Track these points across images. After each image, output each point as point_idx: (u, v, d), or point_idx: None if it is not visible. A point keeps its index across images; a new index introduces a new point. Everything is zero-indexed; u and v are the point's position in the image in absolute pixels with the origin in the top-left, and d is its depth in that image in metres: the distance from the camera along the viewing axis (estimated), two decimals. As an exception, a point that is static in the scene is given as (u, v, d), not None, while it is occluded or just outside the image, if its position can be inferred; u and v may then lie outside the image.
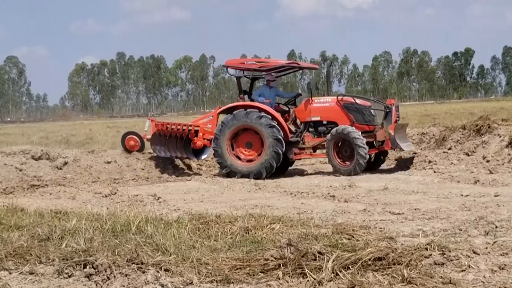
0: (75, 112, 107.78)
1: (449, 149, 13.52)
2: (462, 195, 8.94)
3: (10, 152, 13.45)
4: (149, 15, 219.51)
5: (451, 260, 4.77)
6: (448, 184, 10.55)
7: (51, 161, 13.56)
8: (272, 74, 14.18)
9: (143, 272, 4.60)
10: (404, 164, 13.72)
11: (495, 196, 8.71)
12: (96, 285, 4.59)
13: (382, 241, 5.50)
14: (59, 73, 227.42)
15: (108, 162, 14.17)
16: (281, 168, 13.64)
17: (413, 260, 4.62)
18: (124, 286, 4.48)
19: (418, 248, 4.94)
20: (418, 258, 4.69)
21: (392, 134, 12.75)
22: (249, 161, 13.39)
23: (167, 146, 14.07)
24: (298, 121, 14.01)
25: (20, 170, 12.88)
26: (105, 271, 4.67)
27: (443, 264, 4.71)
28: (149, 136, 14.51)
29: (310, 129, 13.72)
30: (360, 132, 12.93)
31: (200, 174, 14.08)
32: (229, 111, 13.75)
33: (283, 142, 13.06)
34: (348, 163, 12.92)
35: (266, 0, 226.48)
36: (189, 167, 14.79)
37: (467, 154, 12.90)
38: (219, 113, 14.14)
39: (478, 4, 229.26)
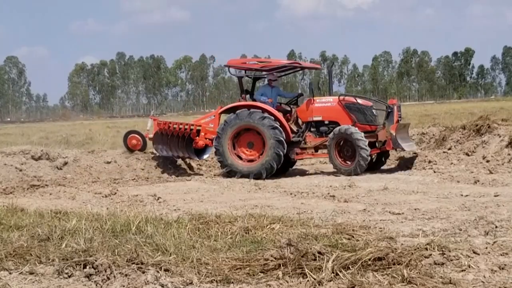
0: (75, 112, 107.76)
1: (449, 149, 13.52)
2: (462, 195, 8.94)
3: (10, 152, 13.46)
4: (149, 15, 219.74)
5: (451, 260, 4.77)
6: (448, 184, 10.55)
7: (51, 161, 13.57)
8: (274, 74, 14.20)
9: (143, 272, 4.60)
10: (404, 164, 13.72)
11: (495, 196, 8.71)
12: (96, 285, 4.59)
13: (382, 241, 5.50)
14: (59, 73, 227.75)
15: (108, 162, 14.17)
16: (283, 168, 13.63)
17: (413, 260, 4.62)
18: (124, 286, 4.48)
19: (418, 248, 4.94)
20: (418, 258, 4.69)
21: (394, 134, 12.74)
22: (250, 161, 13.39)
23: (169, 146, 14.08)
24: (300, 121, 14.00)
25: (20, 170, 12.88)
26: (105, 271, 4.67)
27: (443, 264, 4.71)
28: (151, 135, 14.51)
29: (312, 129, 13.71)
30: (362, 132, 12.92)
31: (201, 174, 14.08)
32: (231, 110, 13.75)
33: (285, 144, 13.05)
34: (349, 163, 12.91)
35: (266, 0, 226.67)
36: (190, 167, 14.79)
37: (467, 154, 12.91)
38: (221, 112, 14.14)
39: (478, 4, 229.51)
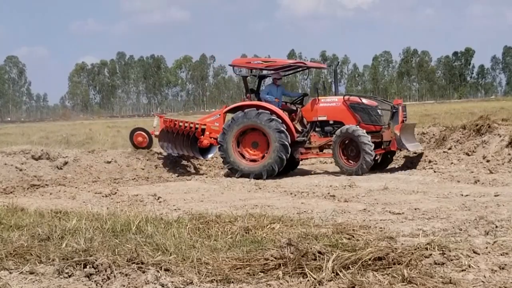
0: (75, 112, 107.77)
1: (449, 149, 13.52)
2: (462, 195, 8.94)
3: (10, 152, 13.47)
4: (149, 15, 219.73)
5: (451, 260, 4.77)
6: (448, 184, 10.55)
7: (51, 161, 13.57)
8: (280, 73, 14.21)
9: (143, 272, 4.60)
10: (404, 164, 13.73)
11: (495, 196, 8.71)
12: (96, 284, 4.60)
13: (382, 241, 5.51)
14: (59, 73, 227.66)
15: (108, 162, 14.18)
16: (287, 167, 13.61)
17: (413, 260, 4.62)
18: (124, 285, 4.48)
19: (418, 248, 4.94)
20: (418, 258, 4.69)
21: (398, 134, 12.72)
22: (252, 161, 13.38)
23: (174, 144, 14.11)
24: (305, 121, 13.98)
25: (20, 170, 12.89)
26: (105, 270, 4.67)
27: (443, 263, 4.71)
28: (157, 133, 14.52)
29: (317, 129, 13.69)
30: (366, 132, 12.89)
31: (201, 174, 14.08)
32: (236, 110, 13.73)
33: (289, 148, 13.03)
34: (354, 163, 12.89)
35: (266, 0, 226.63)
36: (194, 167, 14.78)
37: (467, 154, 12.91)
38: (226, 112, 14.14)
39: (478, 4, 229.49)
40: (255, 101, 13.87)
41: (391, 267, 4.53)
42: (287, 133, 13.04)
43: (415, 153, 13.75)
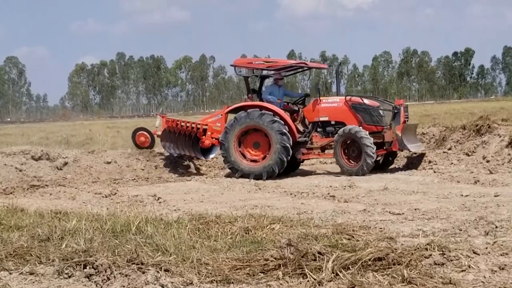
0: (75, 113, 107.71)
1: (449, 149, 13.52)
2: (462, 195, 8.95)
3: (10, 152, 13.47)
4: (149, 15, 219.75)
5: (451, 260, 4.77)
6: (448, 184, 10.56)
7: (51, 162, 13.57)
8: (281, 73, 14.21)
9: (143, 273, 4.60)
10: (404, 164, 13.73)
11: (495, 196, 8.71)
12: (96, 285, 4.60)
13: (382, 241, 5.51)
14: (59, 73, 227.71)
15: (108, 163, 14.18)
16: (289, 168, 13.61)
17: (413, 260, 4.63)
18: (124, 286, 4.48)
19: (418, 248, 4.94)
20: (418, 258, 4.69)
21: (399, 135, 12.71)
22: (253, 161, 13.38)
23: (176, 144, 14.11)
24: (306, 121, 13.97)
25: (20, 171, 12.89)
26: (105, 271, 4.68)
27: (443, 264, 4.71)
28: (159, 133, 14.52)
29: (318, 129, 13.67)
30: (367, 132, 12.87)
31: (201, 174, 14.08)
32: (238, 110, 13.73)
33: (290, 151, 13.01)
34: (355, 163, 12.88)
35: (266, 0, 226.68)
36: (195, 166, 14.77)
37: (467, 154, 12.91)
38: (228, 112, 14.13)
39: (478, 4, 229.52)
40: (256, 101, 13.87)
41: (391, 268, 4.53)
42: (289, 135, 13.02)
43: (415, 153, 13.74)
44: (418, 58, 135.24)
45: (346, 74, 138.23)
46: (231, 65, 14.43)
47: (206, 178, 13.26)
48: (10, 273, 4.92)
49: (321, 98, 13.73)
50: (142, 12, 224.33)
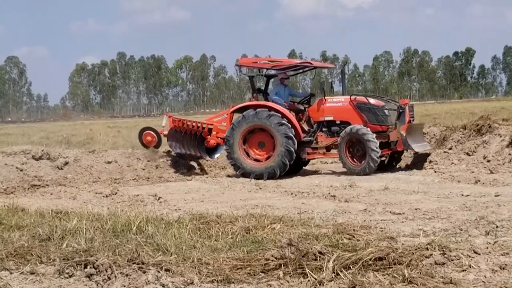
0: (76, 112, 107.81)
1: (450, 149, 13.51)
2: (462, 195, 8.94)
3: (11, 152, 13.47)
4: (149, 15, 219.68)
5: (452, 260, 4.77)
6: (449, 184, 10.55)
7: (51, 161, 13.57)
8: (287, 72, 14.21)
9: (144, 272, 4.61)
10: (405, 164, 13.71)
11: (495, 196, 8.71)
12: (97, 285, 4.60)
13: (383, 241, 5.51)
14: (60, 73, 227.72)
15: (109, 162, 14.18)
16: (294, 168, 13.60)
17: (414, 260, 4.62)
18: (124, 286, 4.48)
19: (418, 248, 4.94)
20: (418, 258, 4.69)
21: (404, 135, 12.69)
22: (256, 160, 13.37)
23: (182, 143, 14.12)
24: (311, 121, 13.95)
25: (21, 170, 12.89)
26: (106, 271, 4.68)
27: (443, 264, 4.71)
28: (166, 132, 14.54)
29: (324, 129, 13.64)
30: (372, 132, 12.85)
31: (201, 174, 14.08)
32: (243, 110, 13.70)
33: (294, 155, 12.99)
34: (360, 162, 12.85)
35: (266, 0, 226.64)
36: (199, 166, 14.75)
37: (468, 154, 12.90)
38: (233, 111, 14.13)
39: (478, 4, 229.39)
40: (262, 101, 13.86)
41: (392, 267, 4.53)
42: (294, 139, 12.98)
43: (415, 153, 13.73)
44: (418, 58, 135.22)
45: (346, 74, 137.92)
46: (236, 65, 14.40)
47: (207, 177, 13.26)
48: (11, 273, 4.93)
49: (326, 97, 13.72)
50: (142, 12, 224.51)
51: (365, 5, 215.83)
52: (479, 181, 10.44)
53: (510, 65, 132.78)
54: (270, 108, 13.32)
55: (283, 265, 4.70)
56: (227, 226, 6.23)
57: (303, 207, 8.29)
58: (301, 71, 15.67)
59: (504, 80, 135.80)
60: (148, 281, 4.44)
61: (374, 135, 12.80)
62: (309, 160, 14.25)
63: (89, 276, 4.70)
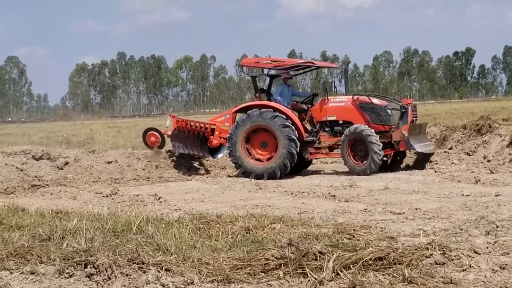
0: (76, 112, 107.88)
1: (450, 148, 13.51)
2: (463, 195, 8.94)
3: (11, 152, 13.47)
4: (149, 15, 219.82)
5: (452, 260, 4.77)
6: (449, 183, 10.55)
7: (52, 161, 13.57)
8: (290, 72, 14.20)
9: (144, 272, 4.61)
10: (405, 164, 13.70)
11: (496, 195, 8.71)
12: (97, 285, 4.60)
13: (383, 241, 5.51)
14: (60, 73, 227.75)
15: (109, 162, 14.19)
16: (297, 167, 13.59)
17: (414, 260, 4.62)
18: (125, 286, 4.48)
19: (419, 247, 4.94)
20: (419, 258, 4.69)
21: (406, 135, 12.67)
22: (258, 160, 13.37)
23: (185, 143, 14.13)
24: (314, 121, 13.92)
25: (21, 170, 12.89)
26: (106, 271, 4.68)
27: (444, 263, 4.71)
28: (169, 133, 14.54)
29: (326, 129, 13.61)
30: (375, 132, 12.83)
31: (201, 174, 14.08)
32: (245, 110, 13.69)
33: (296, 157, 12.97)
34: (362, 162, 12.84)
35: (266, 0, 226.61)
36: (205, 168, 14.73)
37: (468, 154, 12.90)
38: (236, 111, 14.13)
39: (478, 4, 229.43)
40: (265, 100, 13.86)
41: (392, 267, 4.53)
42: (297, 142, 12.96)
43: (416, 153, 13.72)
44: (418, 57, 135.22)
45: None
46: (239, 65, 14.42)
47: (207, 177, 13.26)
48: (11, 273, 4.93)
49: (328, 97, 13.71)
50: (142, 12, 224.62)
51: (365, 5, 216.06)
52: (479, 181, 10.43)
53: (510, 65, 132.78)
54: (275, 109, 13.31)
55: (283, 265, 4.70)
56: (227, 226, 6.23)
57: (303, 207, 8.28)
58: (302, 71, 15.67)
59: (504, 80, 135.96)
60: (148, 281, 4.44)
61: (378, 136, 12.77)
62: (311, 160, 14.24)
63: (89, 276, 4.70)
